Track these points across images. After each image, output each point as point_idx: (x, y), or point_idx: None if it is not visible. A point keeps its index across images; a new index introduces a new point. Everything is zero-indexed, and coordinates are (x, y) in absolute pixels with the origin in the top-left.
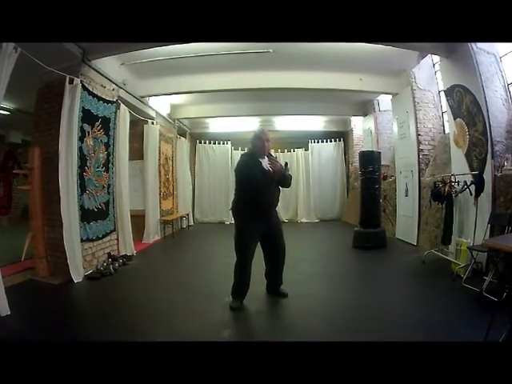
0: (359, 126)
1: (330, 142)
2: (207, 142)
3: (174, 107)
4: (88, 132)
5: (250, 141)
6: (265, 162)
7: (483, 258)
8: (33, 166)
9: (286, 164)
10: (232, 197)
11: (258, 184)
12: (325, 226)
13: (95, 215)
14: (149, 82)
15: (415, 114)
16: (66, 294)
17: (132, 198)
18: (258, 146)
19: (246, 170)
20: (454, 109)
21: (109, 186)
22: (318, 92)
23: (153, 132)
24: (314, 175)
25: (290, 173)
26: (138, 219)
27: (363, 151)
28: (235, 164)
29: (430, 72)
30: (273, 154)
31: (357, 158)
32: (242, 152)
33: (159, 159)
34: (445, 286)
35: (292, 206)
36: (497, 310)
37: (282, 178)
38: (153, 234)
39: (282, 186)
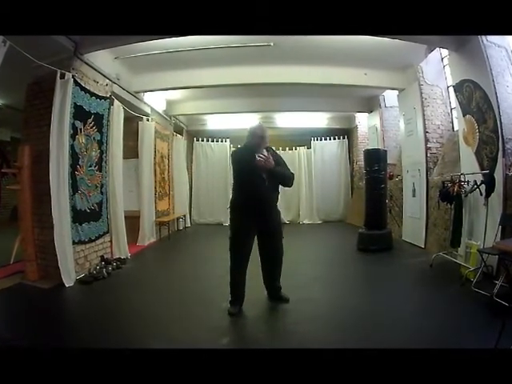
0: (364, 122)
1: (334, 139)
2: (205, 139)
3: (170, 103)
4: (80, 129)
5: (246, 136)
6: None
7: (494, 261)
8: (22, 165)
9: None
10: (230, 197)
11: (248, 179)
12: (328, 228)
13: (88, 216)
14: (144, 77)
15: (423, 110)
16: (56, 298)
17: (126, 198)
18: (253, 140)
19: (237, 164)
20: (464, 105)
21: (102, 185)
22: (321, 87)
23: (148, 129)
24: (317, 174)
25: (291, 170)
26: (133, 220)
27: (368, 149)
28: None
29: (438, 66)
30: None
31: (361, 157)
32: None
33: (155, 158)
34: (454, 291)
35: (294, 206)
36: (508, 315)
37: (272, 172)
38: (148, 235)
39: (282, 185)
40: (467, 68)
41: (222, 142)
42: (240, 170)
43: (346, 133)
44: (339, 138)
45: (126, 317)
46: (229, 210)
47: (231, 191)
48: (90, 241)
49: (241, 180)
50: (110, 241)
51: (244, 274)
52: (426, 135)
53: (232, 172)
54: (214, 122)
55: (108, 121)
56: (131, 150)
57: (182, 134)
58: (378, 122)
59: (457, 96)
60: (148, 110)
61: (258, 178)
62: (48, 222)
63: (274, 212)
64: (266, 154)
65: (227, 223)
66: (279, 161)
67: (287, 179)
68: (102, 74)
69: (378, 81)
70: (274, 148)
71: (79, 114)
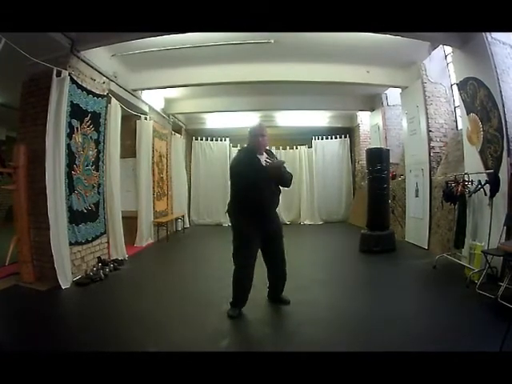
0: (366, 121)
1: (335, 138)
2: (204, 138)
3: (168, 101)
4: (77, 128)
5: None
6: (262, 159)
7: (498, 263)
8: (18, 165)
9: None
10: (229, 201)
11: (254, 181)
12: (329, 229)
13: (84, 217)
14: (142, 75)
15: (426, 108)
16: (53, 300)
17: (124, 198)
18: (253, 141)
19: (239, 167)
20: (468, 103)
21: (99, 185)
22: (323, 85)
23: (146, 128)
24: (318, 174)
25: (289, 170)
26: (130, 221)
27: (370, 148)
28: None
29: (441, 64)
30: (273, 151)
31: (364, 156)
32: (239, 148)
33: (153, 157)
34: (457, 293)
35: (295, 206)
36: None
37: (280, 175)
38: (146, 236)
39: (282, 185)
40: (471, 66)
41: (221, 141)
42: (243, 173)
43: (347, 132)
44: (341, 137)
45: (123, 319)
46: (228, 215)
47: (230, 195)
48: (87, 242)
49: (245, 184)
50: (107, 242)
51: (249, 280)
52: (429, 134)
53: (231, 176)
54: (213, 121)
55: (105, 119)
56: (129, 150)
57: (180, 133)
58: (380, 120)
59: (461, 94)
60: (146, 109)
61: (262, 181)
62: (44, 222)
63: (275, 213)
64: (266, 156)
65: (226, 224)
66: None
67: (289, 181)
68: (98, 71)
69: (380, 79)
70: (271, 149)
71: (76, 112)
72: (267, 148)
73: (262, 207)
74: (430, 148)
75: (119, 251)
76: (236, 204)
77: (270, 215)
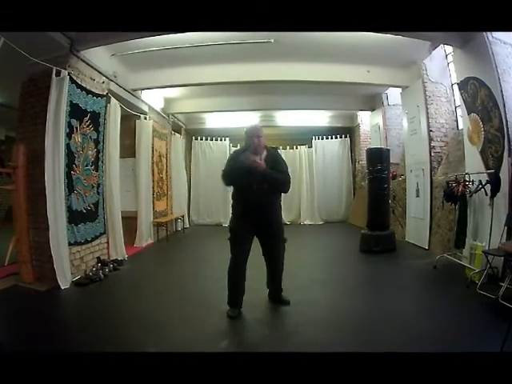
0: (366, 121)
1: (336, 138)
2: (204, 138)
3: (168, 101)
4: (76, 128)
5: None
6: (257, 159)
7: (499, 263)
8: (17, 165)
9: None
10: (230, 197)
11: (246, 181)
12: (330, 229)
13: (84, 217)
14: (141, 75)
15: (426, 108)
16: (52, 301)
17: (123, 198)
18: (249, 142)
19: (234, 166)
20: (468, 103)
21: (98, 185)
22: (323, 85)
23: (145, 128)
24: (318, 174)
25: (288, 174)
26: (130, 221)
27: (371, 148)
28: None
29: (442, 63)
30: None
31: (364, 156)
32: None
33: (152, 157)
34: (458, 293)
35: (295, 207)
36: None
37: (267, 178)
38: (145, 237)
39: (276, 189)
40: (472, 65)
41: (221, 140)
42: (236, 173)
43: (347, 131)
44: (341, 137)
45: (123, 319)
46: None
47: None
48: (86, 242)
49: (238, 184)
50: (107, 242)
51: (241, 277)
52: (429, 134)
53: None
54: (213, 121)
55: (105, 119)
56: (128, 149)
57: (180, 133)
58: (380, 120)
59: (461, 94)
60: (145, 108)
61: (249, 180)
62: (43, 222)
63: (271, 214)
64: (256, 157)
65: (226, 224)
66: (276, 163)
67: (280, 183)
68: (98, 71)
69: (380, 78)
70: (275, 147)
71: (75, 112)
72: (273, 147)
73: (249, 206)
74: (431, 148)
75: (119, 251)
76: (233, 203)
77: (264, 215)
